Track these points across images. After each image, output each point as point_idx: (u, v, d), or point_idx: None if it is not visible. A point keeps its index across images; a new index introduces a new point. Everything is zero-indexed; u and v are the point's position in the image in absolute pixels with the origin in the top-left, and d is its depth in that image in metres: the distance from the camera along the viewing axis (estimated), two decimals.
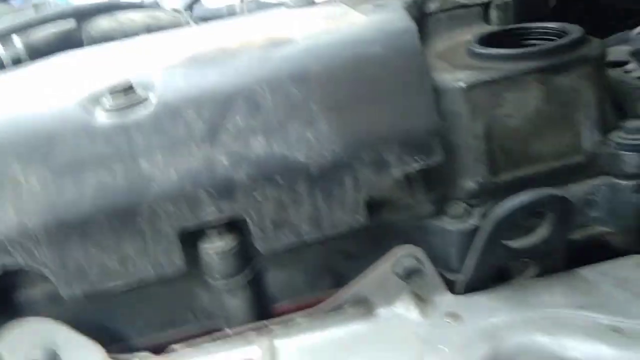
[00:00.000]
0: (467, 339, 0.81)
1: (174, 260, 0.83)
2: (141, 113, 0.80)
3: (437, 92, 0.86)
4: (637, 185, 0.91)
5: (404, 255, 0.87)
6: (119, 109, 0.80)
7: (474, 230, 0.89)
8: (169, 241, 0.82)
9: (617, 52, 1.36)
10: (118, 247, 0.81)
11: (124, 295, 0.88)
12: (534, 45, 0.93)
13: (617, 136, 0.91)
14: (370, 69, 0.82)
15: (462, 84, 0.86)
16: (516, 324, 0.82)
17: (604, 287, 0.86)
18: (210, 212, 0.81)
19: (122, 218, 0.79)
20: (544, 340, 0.79)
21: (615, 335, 0.77)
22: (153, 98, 0.81)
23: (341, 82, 0.81)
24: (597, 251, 0.97)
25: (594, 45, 0.90)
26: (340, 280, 0.95)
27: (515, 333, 0.80)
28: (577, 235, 0.96)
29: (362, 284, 0.88)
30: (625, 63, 1.31)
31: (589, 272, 0.89)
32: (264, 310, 0.93)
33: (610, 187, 0.94)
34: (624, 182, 0.92)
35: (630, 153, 0.89)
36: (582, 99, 0.89)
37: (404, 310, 0.86)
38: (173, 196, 0.79)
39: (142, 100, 0.81)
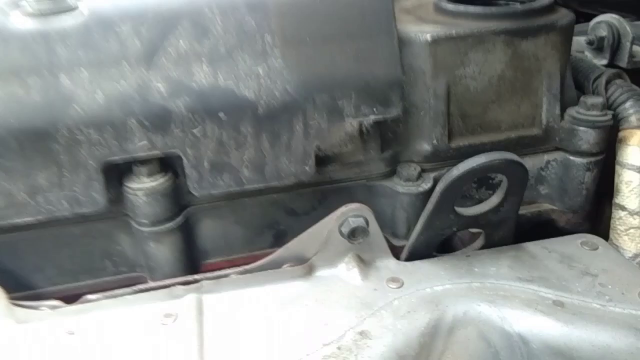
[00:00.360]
0: (408, 305, 0.76)
1: (93, 196, 0.73)
2: (68, 22, 0.69)
3: (401, 45, 0.80)
4: (589, 163, 0.90)
5: (351, 214, 0.81)
6: (41, 14, 0.69)
7: (425, 194, 0.85)
8: (89, 174, 0.72)
9: (574, 42, 1.36)
10: (28, 175, 0.71)
11: (32, 236, 0.78)
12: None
13: (575, 111, 0.89)
14: (334, 4, 0.75)
15: (427, 37, 0.81)
16: (459, 293, 0.78)
17: (549, 262, 0.84)
18: (140, 146, 0.72)
19: (35, 141, 0.69)
20: (486, 310, 0.76)
21: (558, 309, 0.75)
22: (84, 7, 0.71)
23: (301, 14, 0.74)
24: (543, 229, 0.96)
25: (563, 13, 0.87)
26: (280, 238, 0.88)
27: (458, 302, 0.76)
28: (525, 211, 0.95)
29: (304, 242, 0.82)
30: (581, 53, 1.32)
31: (535, 247, 0.87)
32: (194, 264, 0.85)
33: (563, 163, 0.92)
34: (577, 159, 0.91)
35: (586, 129, 0.88)
36: (546, 68, 0.87)
37: (346, 272, 0.81)
38: (98, 122, 0.70)
39: (71, 8, 0.70)
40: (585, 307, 0.75)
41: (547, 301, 0.76)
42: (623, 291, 0.78)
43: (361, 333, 0.72)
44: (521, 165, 0.76)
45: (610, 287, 0.79)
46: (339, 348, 0.70)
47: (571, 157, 0.91)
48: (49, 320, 0.75)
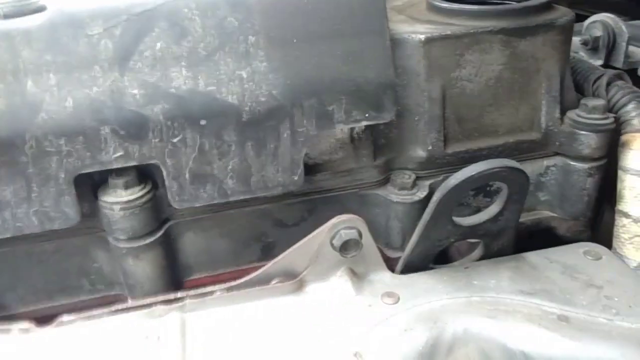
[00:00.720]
0: (405, 322, 0.71)
1: (66, 211, 0.68)
2: (33, 22, 0.64)
3: (394, 45, 0.76)
4: (590, 169, 0.86)
5: (342, 225, 0.76)
6: (5, 16, 0.63)
7: (421, 203, 0.81)
8: (60, 187, 0.67)
9: None
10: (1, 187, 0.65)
11: (1, 253, 0.72)
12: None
13: (576, 114, 0.85)
14: (322, 3, 0.70)
15: (421, 37, 0.77)
16: (459, 308, 0.74)
17: (551, 274, 0.80)
18: (115, 156, 0.67)
19: (0, 153, 0.63)
20: (488, 327, 0.71)
21: (563, 324, 0.71)
22: (51, 8, 0.65)
23: (287, 13, 0.69)
24: (542, 237, 0.92)
25: (562, 12, 0.83)
26: (269, 251, 0.84)
27: (458, 318, 0.72)
28: (524, 219, 0.91)
29: (293, 256, 0.77)
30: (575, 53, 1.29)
31: (536, 258, 0.83)
32: (176, 281, 0.80)
33: (564, 169, 0.88)
34: (578, 165, 0.87)
35: (587, 133, 0.84)
36: (545, 69, 0.83)
37: (338, 288, 0.76)
38: (68, 131, 0.64)
39: (37, 8, 0.64)
40: (591, 322, 0.71)
41: (551, 316, 0.72)
42: (630, 304, 0.74)
43: (356, 354, 0.67)
44: (522, 172, 0.72)
45: (616, 299, 0.75)
46: None
47: (572, 163, 0.87)
48: (19, 345, 0.70)
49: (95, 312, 0.74)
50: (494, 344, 0.70)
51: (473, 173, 0.69)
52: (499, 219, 0.78)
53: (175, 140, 0.68)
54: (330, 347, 0.69)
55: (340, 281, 0.77)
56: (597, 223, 0.98)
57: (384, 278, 0.79)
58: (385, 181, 0.84)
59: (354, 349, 0.68)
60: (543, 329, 0.70)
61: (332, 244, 0.76)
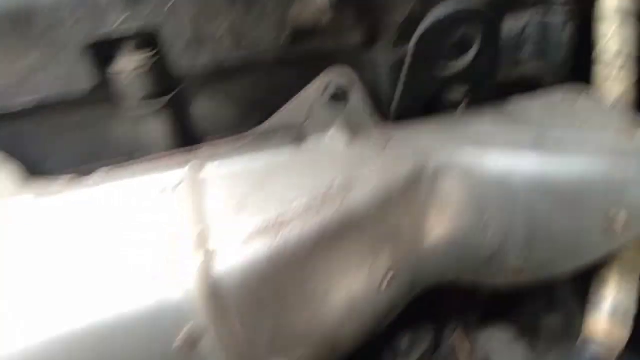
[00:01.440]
0: (394, 156, 0.79)
1: (78, 79, 0.77)
2: None
3: None
4: (567, 15, 0.90)
5: (334, 77, 0.83)
6: None
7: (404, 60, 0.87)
8: (71, 56, 0.75)
9: None
10: (20, 57, 0.74)
11: (34, 126, 0.82)
12: None
13: None
14: None
15: None
16: (443, 143, 0.81)
17: (531, 110, 0.86)
18: (117, 24, 0.75)
19: (16, 25, 0.72)
20: (469, 153, 0.78)
21: (539, 145, 0.78)
22: None
23: None
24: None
25: None
26: (269, 116, 0.91)
27: (442, 150, 0.79)
28: (510, 74, 0.96)
29: (290, 110, 0.85)
30: None
31: (518, 101, 0.90)
32: (188, 144, 0.88)
33: (543, 20, 0.92)
34: (555, 15, 0.91)
35: None
36: None
37: (334, 137, 0.83)
38: (70, 3, 0.72)
39: None
40: (563, 142, 0.78)
41: (528, 140, 0.79)
42: (601, 129, 0.80)
43: (347, 178, 0.75)
44: (488, 14, 0.77)
45: (589, 127, 0.81)
46: (325, 195, 0.74)
47: (550, 13, 0.91)
48: (65, 193, 0.77)
49: (113, 170, 0.82)
50: (475, 166, 0.77)
51: (440, 17, 0.75)
52: (477, 64, 0.83)
53: (170, 4, 0.75)
54: (325, 183, 0.77)
55: (335, 131, 0.84)
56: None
57: (376, 127, 0.86)
58: (370, 44, 0.89)
59: (348, 177, 0.75)
60: (519, 150, 0.77)
61: (324, 97, 0.83)
